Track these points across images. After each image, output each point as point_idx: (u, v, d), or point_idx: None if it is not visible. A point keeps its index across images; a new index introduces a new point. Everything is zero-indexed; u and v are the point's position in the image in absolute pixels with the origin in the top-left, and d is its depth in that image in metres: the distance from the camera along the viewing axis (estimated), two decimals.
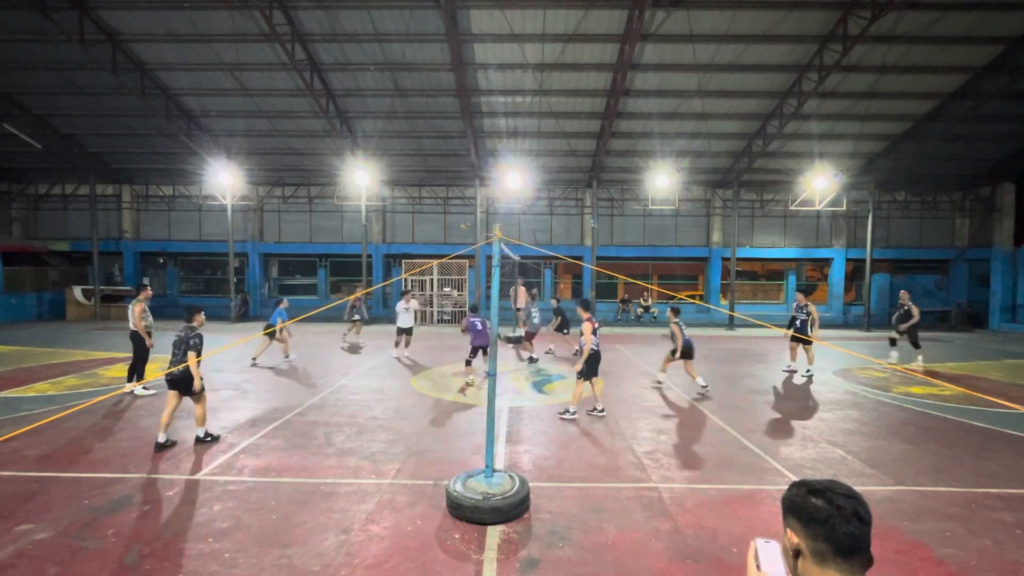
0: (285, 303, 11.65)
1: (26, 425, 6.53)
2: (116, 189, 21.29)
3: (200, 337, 6.08)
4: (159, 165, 20.11)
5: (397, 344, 12.41)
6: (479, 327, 9.89)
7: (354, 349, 13.57)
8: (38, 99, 16.68)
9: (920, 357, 11.55)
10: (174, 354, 6.06)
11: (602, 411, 7.56)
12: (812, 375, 10.42)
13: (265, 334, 11.29)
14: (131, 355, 8.69)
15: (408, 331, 12.22)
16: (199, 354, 6.02)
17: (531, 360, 11.90)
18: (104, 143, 18.98)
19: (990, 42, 13.31)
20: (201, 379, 6.07)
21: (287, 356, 11.57)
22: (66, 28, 12.63)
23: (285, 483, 5.09)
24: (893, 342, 12.05)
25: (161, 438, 6.00)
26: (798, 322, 10.61)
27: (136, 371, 8.64)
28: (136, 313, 8.48)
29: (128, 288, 20.69)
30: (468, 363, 9.70)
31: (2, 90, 16.08)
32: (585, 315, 7.54)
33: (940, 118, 15.94)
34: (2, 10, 12.81)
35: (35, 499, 4.67)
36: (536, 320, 12.14)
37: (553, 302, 13.51)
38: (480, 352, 9.81)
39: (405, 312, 12.12)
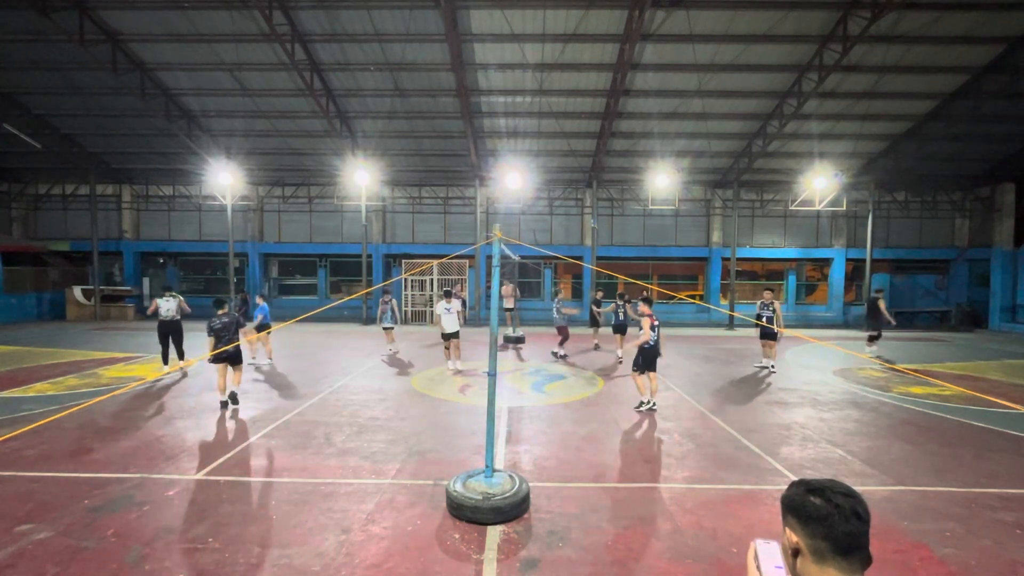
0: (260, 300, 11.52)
1: (26, 425, 6.53)
2: (116, 189, 21.28)
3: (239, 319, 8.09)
4: (159, 165, 20.11)
5: (447, 354, 11.05)
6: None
7: (392, 360, 11.95)
8: (38, 99, 16.68)
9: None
10: (221, 337, 7.71)
11: (651, 405, 7.88)
12: (775, 370, 11.01)
13: (259, 336, 11.32)
14: (172, 342, 10.36)
15: (454, 335, 10.79)
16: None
17: (561, 357, 12.35)
18: (104, 143, 18.98)
19: (990, 42, 13.31)
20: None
21: (254, 357, 11.41)
22: (66, 28, 12.63)
23: (285, 483, 5.10)
24: (871, 339, 12.87)
25: (223, 397, 7.68)
26: (764, 319, 10.97)
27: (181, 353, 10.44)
28: (183, 303, 10.57)
29: (128, 288, 20.69)
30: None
31: (2, 90, 16.09)
32: (647, 311, 7.99)
33: (940, 118, 15.94)
34: (2, 10, 12.81)
35: (35, 499, 4.67)
36: (558, 315, 12.60)
37: (598, 294, 14.40)
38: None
39: (447, 314, 10.66)
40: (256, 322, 11.16)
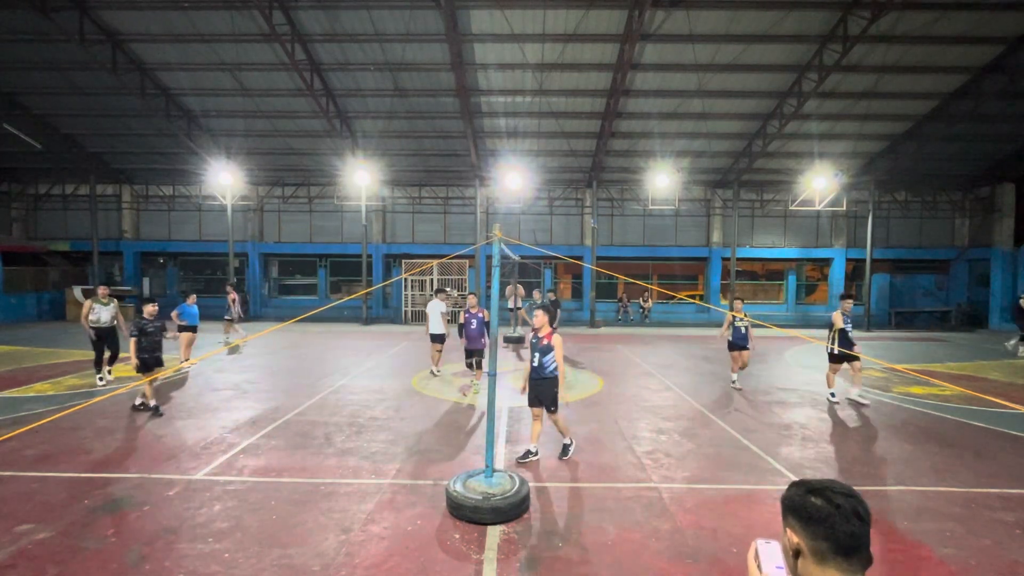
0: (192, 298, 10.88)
1: (26, 425, 6.52)
2: (116, 189, 21.30)
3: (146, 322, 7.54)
4: (159, 165, 20.12)
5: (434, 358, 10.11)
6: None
7: (233, 350, 12.81)
8: (38, 99, 16.69)
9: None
10: (154, 340, 7.53)
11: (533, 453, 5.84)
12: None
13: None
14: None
15: (438, 338, 9.89)
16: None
17: None
18: (104, 143, 18.98)
19: (990, 42, 13.31)
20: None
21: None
22: (66, 28, 12.63)
23: (285, 483, 5.09)
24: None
25: (153, 402, 7.41)
26: (849, 334, 8.19)
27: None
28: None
29: (128, 288, 20.68)
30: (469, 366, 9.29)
31: (2, 90, 16.09)
32: (543, 322, 5.67)
33: (940, 118, 15.95)
34: (2, 10, 12.81)
35: (35, 499, 4.66)
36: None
37: (549, 295, 13.89)
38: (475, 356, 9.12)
39: (435, 314, 9.91)
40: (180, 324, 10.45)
